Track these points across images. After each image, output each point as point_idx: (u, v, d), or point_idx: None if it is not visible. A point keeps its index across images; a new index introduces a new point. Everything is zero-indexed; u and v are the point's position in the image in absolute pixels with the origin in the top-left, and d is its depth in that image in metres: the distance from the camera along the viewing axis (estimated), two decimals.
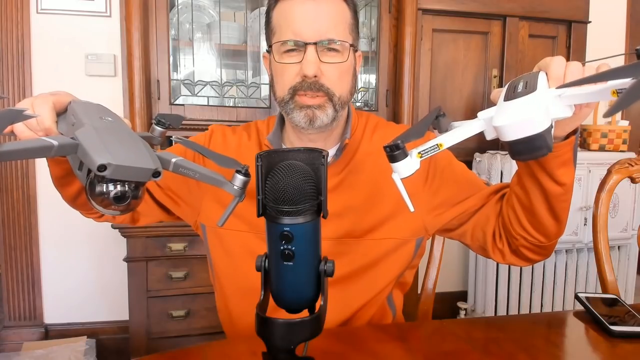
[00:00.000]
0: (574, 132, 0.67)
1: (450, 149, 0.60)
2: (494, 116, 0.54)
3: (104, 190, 0.45)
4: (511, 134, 0.52)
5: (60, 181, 0.73)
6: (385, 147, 0.54)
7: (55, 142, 0.43)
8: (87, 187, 0.46)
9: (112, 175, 0.41)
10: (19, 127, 0.59)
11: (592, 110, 0.61)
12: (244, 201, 0.53)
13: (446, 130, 0.57)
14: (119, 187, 0.45)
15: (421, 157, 0.54)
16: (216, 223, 0.55)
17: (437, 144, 0.55)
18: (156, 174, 0.44)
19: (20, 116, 0.42)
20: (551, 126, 0.51)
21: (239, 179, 0.51)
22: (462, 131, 0.56)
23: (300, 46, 0.77)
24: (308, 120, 0.79)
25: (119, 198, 0.46)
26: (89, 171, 0.46)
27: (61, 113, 0.61)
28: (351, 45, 0.81)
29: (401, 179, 0.54)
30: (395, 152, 0.53)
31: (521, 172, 0.73)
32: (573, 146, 0.68)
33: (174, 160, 0.49)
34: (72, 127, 0.53)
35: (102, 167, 0.41)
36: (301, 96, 0.79)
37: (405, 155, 0.54)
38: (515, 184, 0.76)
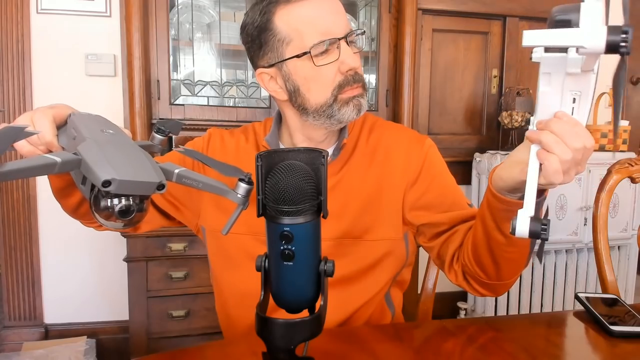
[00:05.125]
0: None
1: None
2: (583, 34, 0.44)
3: (109, 204, 0.45)
4: None
5: (61, 193, 0.73)
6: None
7: (58, 159, 0.42)
8: (91, 202, 0.46)
9: (116, 191, 0.41)
10: (20, 142, 0.59)
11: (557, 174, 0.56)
12: None
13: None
14: (123, 202, 0.45)
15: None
16: (220, 231, 0.55)
17: None
18: (160, 186, 0.44)
19: (21, 134, 0.42)
20: None
21: (243, 187, 0.51)
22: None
23: (333, 43, 0.76)
24: (357, 110, 0.79)
25: (124, 212, 0.45)
26: (93, 186, 0.46)
27: (61, 126, 0.61)
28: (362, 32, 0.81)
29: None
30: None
31: (481, 206, 0.72)
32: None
33: (176, 171, 0.49)
34: (73, 141, 0.52)
35: (107, 183, 0.40)
36: (345, 92, 0.78)
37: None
38: (476, 212, 0.76)
